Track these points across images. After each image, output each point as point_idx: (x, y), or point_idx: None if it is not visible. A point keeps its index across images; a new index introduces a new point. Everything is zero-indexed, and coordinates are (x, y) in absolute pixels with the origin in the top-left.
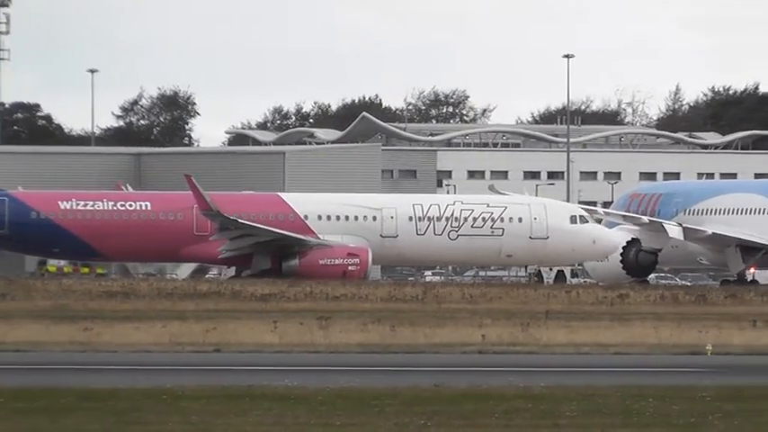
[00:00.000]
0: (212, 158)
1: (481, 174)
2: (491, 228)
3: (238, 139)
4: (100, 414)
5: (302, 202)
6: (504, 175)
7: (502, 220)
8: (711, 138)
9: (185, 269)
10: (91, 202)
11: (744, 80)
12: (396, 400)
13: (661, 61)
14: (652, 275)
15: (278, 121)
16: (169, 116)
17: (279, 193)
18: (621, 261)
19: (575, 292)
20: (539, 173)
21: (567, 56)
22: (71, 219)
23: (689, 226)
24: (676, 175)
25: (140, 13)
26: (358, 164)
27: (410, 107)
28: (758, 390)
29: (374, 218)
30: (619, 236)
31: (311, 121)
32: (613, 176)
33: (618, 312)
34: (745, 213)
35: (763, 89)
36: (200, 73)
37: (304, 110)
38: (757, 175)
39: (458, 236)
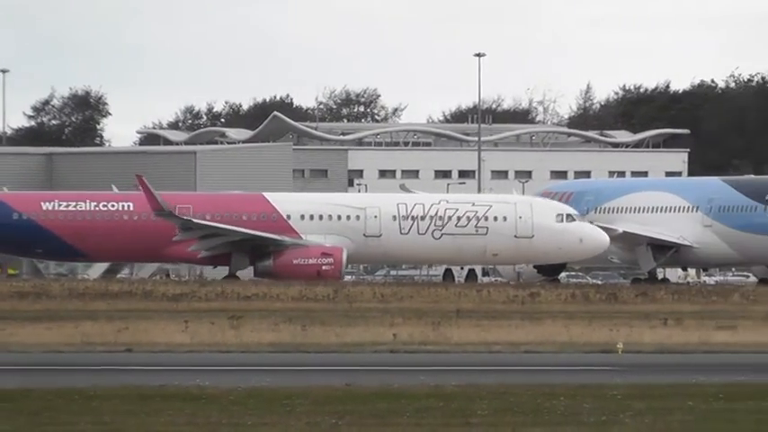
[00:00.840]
0: (124, 158)
1: (392, 173)
2: (475, 226)
3: (150, 138)
4: (11, 414)
5: (285, 202)
6: (415, 174)
7: (486, 218)
8: (622, 136)
9: (97, 269)
10: (74, 203)
11: (655, 78)
12: (307, 400)
13: (572, 60)
14: (563, 274)
15: (189, 121)
16: (80, 116)
17: (264, 193)
18: None
19: (486, 290)
20: (450, 172)
21: (478, 54)
22: (53, 219)
23: (600, 224)
24: (587, 174)
25: (51, 12)
26: (269, 163)
27: (321, 106)
28: (668, 388)
29: (357, 217)
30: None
31: (222, 120)
32: (524, 175)
33: (529, 311)
34: (656, 212)
35: (674, 87)
36: (111, 73)
37: (215, 109)
38: (668, 174)
39: (442, 235)
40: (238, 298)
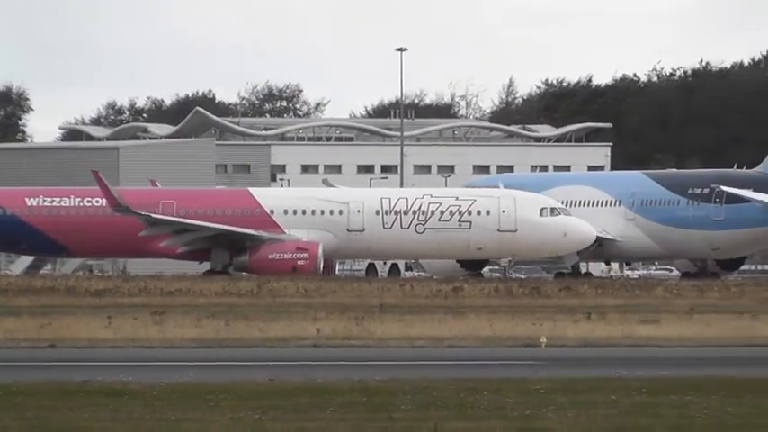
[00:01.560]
0: (46, 154)
1: (315, 168)
2: (458, 221)
3: (72, 134)
4: None
5: (269, 197)
6: (337, 168)
7: (470, 213)
8: (545, 130)
9: (20, 264)
10: (58, 199)
11: (577, 73)
12: (230, 395)
13: (494, 54)
14: (486, 268)
15: (112, 117)
16: (2, 112)
17: (249, 189)
18: None
19: (409, 285)
20: (372, 166)
21: (401, 49)
22: (37, 215)
23: None
24: (510, 168)
25: None
26: (192, 159)
27: (244, 102)
28: (592, 382)
29: (340, 212)
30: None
31: (145, 116)
32: (447, 170)
33: (452, 305)
34: (579, 205)
35: (596, 81)
36: (33, 68)
37: (138, 105)
38: (590, 168)
39: (425, 229)
40: (161, 293)
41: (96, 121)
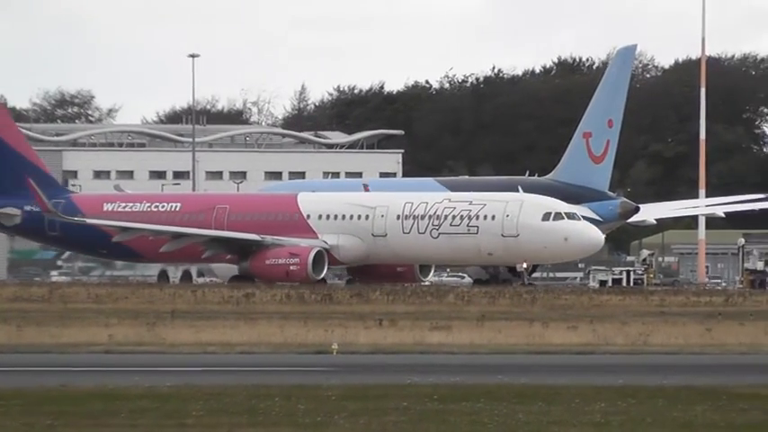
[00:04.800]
0: None
1: (107, 174)
2: (467, 225)
3: None
4: None
5: (308, 201)
6: (130, 174)
7: (477, 217)
8: (337, 137)
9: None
10: (130, 204)
11: (369, 79)
12: (22, 400)
13: (286, 61)
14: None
15: None
16: None
17: (300, 193)
18: None
19: (201, 291)
20: (165, 172)
21: (192, 55)
22: (111, 221)
23: None
24: (302, 174)
25: None
26: None
27: (35, 107)
28: (383, 388)
29: (366, 216)
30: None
31: None
32: (239, 176)
33: (244, 311)
34: None
35: (388, 88)
36: None
37: None
38: (383, 174)
39: (439, 234)
40: None
41: None
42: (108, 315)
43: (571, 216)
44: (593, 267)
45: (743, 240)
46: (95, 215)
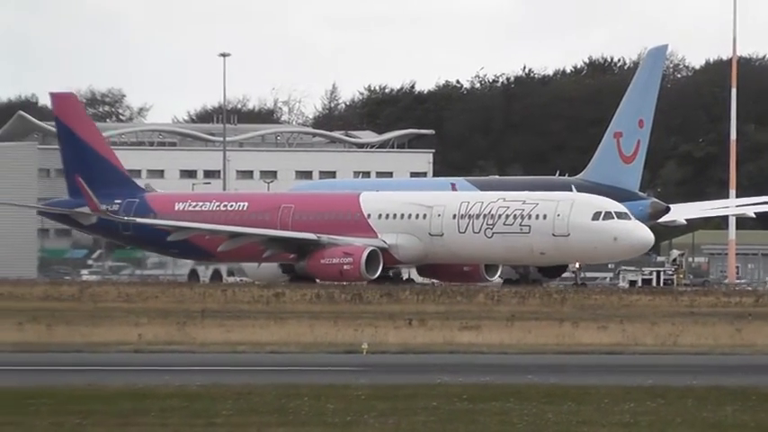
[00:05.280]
0: None
1: (138, 173)
2: (520, 225)
3: None
4: None
5: (370, 201)
6: (160, 174)
7: (530, 217)
8: (367, 136)
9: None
10: (201, 203)
11: (400, 79)
12: (52, 399)
13: (317, 60)
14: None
15: None
16: None
17: (362, 192)
18: None
19: (231, 290)
20: (195, 172)
21: (223, 54)
22: (182, 219)
23: None
24: (332, 174)
25: None
26: (13, 162)
27: None
28: (413, 388)
29: (424, 216)
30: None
31: None
32: (270, 175)
33: (274, 311)
34: None
35: (419, 88)
36: None
37: None
38: (413, 174)
39: (493, 234)
40: None
41: None
42: (138, 314)
43: (621, 216)
44: (623, 267)
45: None
46: (167, 214)
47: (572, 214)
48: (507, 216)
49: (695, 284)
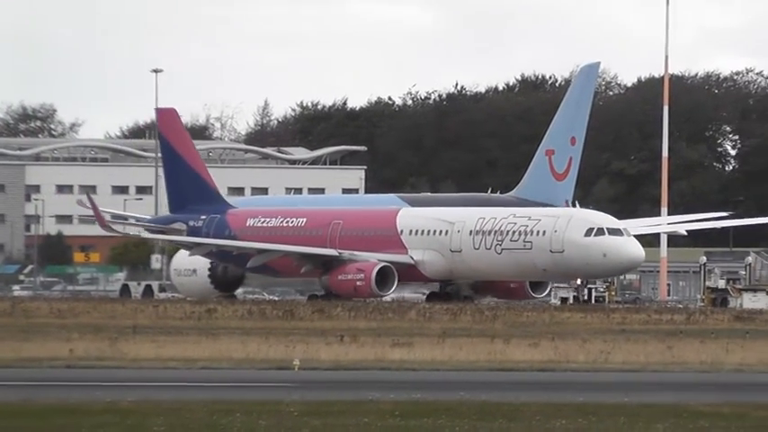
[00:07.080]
0: None
1: (70, 188)
2: (524, 241)
3: None
4: None
5: (405, 216)
6: (93, 189)
7: (532, 233)
8: (300, 153)
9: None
10: (268, 219)
11: (332, 95)
12: None
13: (249, 76)
14: (240, 290)
15: None
16: None
17: (402, 208)
18: (210, 276)
19: (162, 306)
20: (127, 187)
21: (156, 70)
22: (250, 235)
23: None
24: (264, 190)
25: None
26: None
27: None
28: (345, 405)
29: (446, 232)
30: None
31: None
32: None
33: (205, 327)
34: None
35: (351, 104)
36: None
37: None
38: (345, 190)
39: (502, 250)
40: None
41: None
42: (69, 330)
43: (613, 232)
44: (555, 285)
45: (704, 258)
46: (240, 230)
47: (567, 230)
48: (514, 232)
49: (626, 302)
